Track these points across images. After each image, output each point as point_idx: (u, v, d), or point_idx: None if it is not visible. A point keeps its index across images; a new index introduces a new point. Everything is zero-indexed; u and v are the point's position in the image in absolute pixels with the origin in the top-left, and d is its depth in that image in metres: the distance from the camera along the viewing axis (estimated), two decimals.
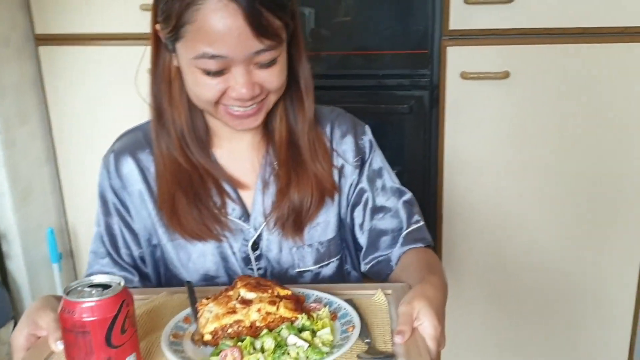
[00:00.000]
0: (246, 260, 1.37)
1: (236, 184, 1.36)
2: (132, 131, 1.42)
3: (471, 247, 2.40)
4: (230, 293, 1.09)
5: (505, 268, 2.40)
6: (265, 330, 1.04)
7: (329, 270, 1.41)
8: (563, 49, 2.14)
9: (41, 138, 2.58)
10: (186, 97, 1.29)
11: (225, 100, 1.22)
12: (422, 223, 1.41)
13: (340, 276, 1.43)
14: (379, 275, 1.40)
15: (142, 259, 1.41)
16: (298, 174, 1.33)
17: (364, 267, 1.43)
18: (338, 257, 1.42)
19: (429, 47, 2.22)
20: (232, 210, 1.35)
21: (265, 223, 1.35)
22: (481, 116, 2.25)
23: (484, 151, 2.29)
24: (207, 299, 1.10)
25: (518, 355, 2.52)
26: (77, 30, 2.41)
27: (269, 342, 1.00)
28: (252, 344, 1.01)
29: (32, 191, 2.53)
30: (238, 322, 1.04)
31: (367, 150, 1.41)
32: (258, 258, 1.37)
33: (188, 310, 1.14)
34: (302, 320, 1.05)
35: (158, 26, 1.22)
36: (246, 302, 1.06)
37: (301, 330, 1.04)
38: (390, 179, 1.42)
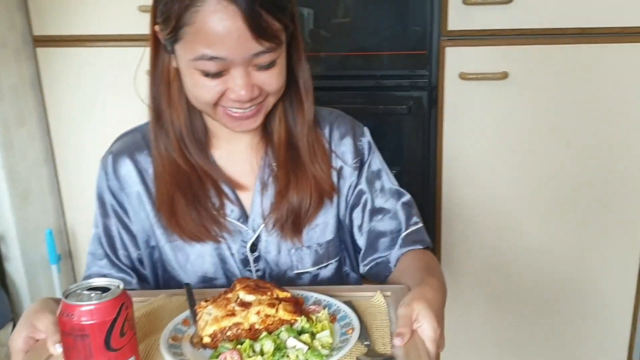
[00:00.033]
0: (244, 262, 1.36)
1: (235, 185, 1.36)
2: (131, 132, 1.42)
3: (470, 247, 2.40)
4: (229, 295, 1.09)
5: (505, 268, 2.40)
6: (264, 333, 1.04)
7: (327, 271, 1.41)
8: (562, 49, 2.15)
9: (39, 139, 2.57)
10: (185, 99, 1.29)
11: (223, 101, 1.21)
12: (420, 225, 1.41)
13: (339, 278, 1.43)
14: (378, 276, 1.40)
15: (140, 261, 1.41)
16: (297, 175, 1.33)
17: (362, 269, 1.43)
18: (337, 258, 1.42)
19: (427, 47, 2.22)
20: (231, 211, 1.34)
21: (264, 224, 1.35)
22: (480, 117, 2.25)
23: (483, 151, 2.29)
24: (206, 301, 1.10)
25: (518, 355, 2.52)
26: (75, 31, 2.40)
27: (268, 345, 1.00)
28: (251, 346, 1.00)
29: (31, 192, 2.52)
30: (237, 324, 1.04)
31: (366, 152, 1.41)
32: (256, 260, 1.37)
33: (187, 313, 1.14)
34: (301, 322, 1.05)
35: (157, 27, 1.22)
36: (245, 305, 1.06)
37: (300, 332, 1.03)
38: (389, 180, 1.42)
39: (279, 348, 1.00)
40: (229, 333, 1.04)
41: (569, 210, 2.31)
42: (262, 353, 1.00)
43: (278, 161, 1.34)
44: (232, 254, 1.36)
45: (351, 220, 1.41)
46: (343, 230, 1.42)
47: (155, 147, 1.33)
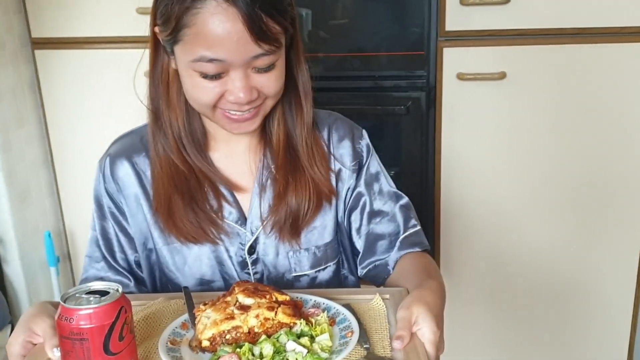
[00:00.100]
0: (242, 265, 1.36)
1: (233, 187, 1.35)
2: (128, 135, 1.41)
3: (469, 248, 2.40)
4: (228, 299, 1.09)
5: (504, 269, 2.40)
6: (263, 336, 1.04)
7: (325, 274, 1.40)
8: (559, 49, 2.15)
9: (38, 141, 2.57)
10: (184, 100, 1.29)
11: (222, 104, 1.21)
12: (418, 227, 1.41)
13: (337, 280, 1.43)
14: (376, 279, 1.39)
15: (138, 264, 1.41)
16: (295, 178, 1.32)
17: (360, 272, 1.42)
18: (335, 261, 1.41)
19: (425, 48, 2.22)
20: (229, 214, 1.34)
21: (262, 227, 1.35)
22: (478, 117, 2.25)
23: (481, 152, 2.29)
24: (205, 304, 1.10)
25: (517, 356, 2.52)
26: (74, 33, 2.40)
27: (267, 348, 1.00)
28: (250, 350, 1.00)
29: (29, 195, 2.52)
30: (236, 328, 1.04)
31: (364, 155, 1.41)
32: (254, 262, 1.36)
33: (185, 316, 1.14)
34: (300, 325, 1.05)
35: (157, 29, 1.22)
36: (244, 308, 1.06)
37: (300, 336, 1.03)
38: (387, 183, 1.42)
39: (279, 351, 1.00)
40: (228, 336, 1.04)
41: (568, 210, 2.31)
42: (261, 356, 1.00)
43: (277, 164, 1.34)
44: (230, 257, 1.35)
45: (349, 223, 1.41)
46: (341, 232, 1.42)
47: (153, 148, 1.33)
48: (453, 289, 2.38)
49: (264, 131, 1.36)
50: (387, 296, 1.21)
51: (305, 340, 1.02)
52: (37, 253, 2.58)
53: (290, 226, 1.33)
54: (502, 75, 2.18)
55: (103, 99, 2.46)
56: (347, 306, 1.14)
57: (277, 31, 1.16)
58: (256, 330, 1.04)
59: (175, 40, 1.18)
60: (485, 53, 2.18)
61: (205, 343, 1.04)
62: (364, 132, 1.43)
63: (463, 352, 2.52)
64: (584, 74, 2.16)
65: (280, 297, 1.09)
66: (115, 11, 2.34)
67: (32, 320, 1.09)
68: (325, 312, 1.12)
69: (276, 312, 1.05)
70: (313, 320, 1.08)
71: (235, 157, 1.37)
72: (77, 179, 2.58)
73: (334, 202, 1.38)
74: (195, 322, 1.07)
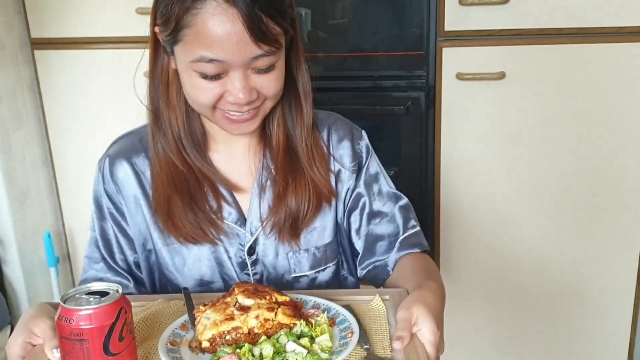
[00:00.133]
0: (242, 265, 1.36)
1: (232, 187, 1.35)
2: (128, 135, 1.41)
3: (468, 247, 2.40)
4: (228, 299, 1.09)
5: (503, 269, 2.40)
6: (263, 337, 1.04)
7: (325, 275, 1.40)
8: (558, 49, 2.15)
9: (37, 142, 2.57)
10: (183, 100, 1.29)
11: (221, 104, 1.21)
12: (418, 228, 1.41)
13: (336, 281, 1.43)
14: (376, 280, 1.39)
15: (137, 264, 1.40)
16: (295, 179, 1.32)
17: (360, 272, 1.42)
18: (335, 262, 1.41)
19: (424, 48, 2.22)
20: (229, 214, 1.34)
21: (261, 228, 1.34)
22: (477, 117, 2.25)
23: (481, 151, 2.29)
24: (205, 305, 1.10)
25: (517, 356, 2.52)
26: (73, 34, 2.40)
27: (267, 349, 1.00)
28: (250, 350, 1.00)
29: (29, 195, 2.52)
30: (236, 328, 1.04)
31: (364, 155, 1.41)
32: (254, 263, 1.36)
33: (185, 317, 1.14)
34: (300, 326, 1.05)
35: (157, 29, 1.22)
36: (244, 309, 1.06)
37: (300, 336, 1.03)
38: (386, 183, 1.42)
39: (279, 352, 1.00)
40: (227, 337, 1.04)
41: (568, 210, 2.31)
42: (261, 357, 1.00)
43: (276, 165, 1.34)
44: (230, 257, 1.35)
45: (349, 224, 1.41)
46: (341, 233, 1.42)
47: (153, 148, 1.33)
48: (452, 289, 2.38)
49: (263, 132, 1.36)
50: (387, 297, 1.21)
51: (305, 341, 1.02)
52: (37, 254, 2.58)
53: (290, 227, 1.33)
54: (501, 75, 2.18)
55: (103, 100, 2.46)
56: (347, 307, 1.14)
57: (277, 32, 1.16)
58: (256, 331, 1.04)
59: (175, 41, 1.18)
60: (485, 53, 2.18)
61: (205, 344, 1.04)
62: (364, 133, 1.43)
63: (463, 353, 2.52)
64: (583, 73, 2.16)
65: (280, 298, 1.09)
66: (115, 12, 2.34)
67: (32, 321, 1.09)
68: (325, 312, 1.12)
69: (276, 313, 1.05)
70: (313, 321, 1.09)
71: (235, 157, 1.37)
72: (77, 180, 2.58)
73: (333, 203, 1.38)
74: (195, 322, 1.07)
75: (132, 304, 1.02)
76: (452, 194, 2.35)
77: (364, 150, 1.41)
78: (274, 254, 1.36)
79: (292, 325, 1.05)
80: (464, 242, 2.39)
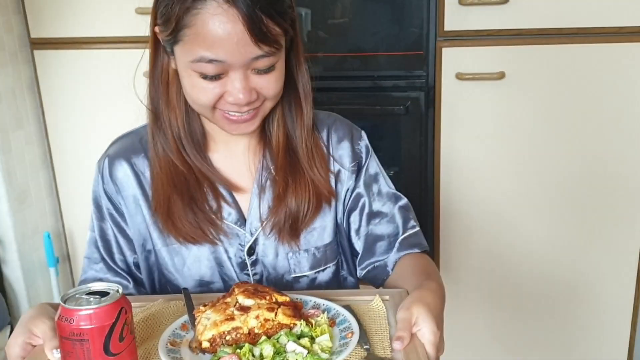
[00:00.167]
0: (242, 266, 1.36)
1: (232, 188, 1.35)
2: (127, 135, 1.41)
3: (468, 247, 2.40)
4: (228, 300, 1.09)
5: (503, 269, 2.40)
6: (263, 337, 1.04)
7: (325, 275, 1.40)
8: (558, 49, 2.15)
9: (37, 142, 2.57)
10: (183, 100, 1.28)
11: (221, 104, 1.21)
12: (418, 228, 1.41)
13: (336, 282, 1.43)
14: (375, 280, 1.39)
15: (137, 265, 1.40)
16: (295, 179, 1.32)
17: (359, 273, 1.42)
18: (335, 262, 1.41)
19: (424, 48, 2.22)
20: (228, 215, 1.34)
21: (261, 228, 1.34)
22: (477, 117, 2.25)
23: (480, 151, 2.29)
24: (205, 305, 1.09)
25: (517, 356, 2.52)
26: (73, 34, 2.40)
27: (267, 349, 1.00)
28: (251, 350, 1.00)
29: (29, 195, 2.52)
30: (236, 329, 1.04)
31: (363, 156, 1.41)
32: (254, 263, 1.36)
33: (185, 318, 1.14)
34: (300, 326, 1.05)
35: (157, 29, 1.22)
36: (244, 309, 1.06)
37: (300, 336, 1.03)
38: (386, 184, 1.42)
39: (279, 352, 1.00)
40: (228, 337, 1.04)
41: (568, 209, 2.31)
42: (261, 357, 1.00)
43: (276, 165, 1.34)
44: (229, 258, 1.35)
45: (348, 224, 1.41)
46: (340, 233, 1.42)
47: (152, 148, 1.33)
48: (452, 289, 2.38)
49: (263, 132, 1.36)
50: (387, 297, 1.21)
51: (305, 341, 1.02)
52: (37, 254, 2.58)
53: (290, 227, 1.33)
54: (501, 75, 2.18)
55: (102, 100, 2.46)
56: (347, 307, 1.14)
57: (277, 33, 1.16)
58: (256, 331, 1.04)
59: (175, 41, 1.18)
60: (484, 53, 2.18)
61: (206, 344, 1.04)
62: (363, 133, 1.43)
63: (463, 353, 2.52)
64: (583, 73, 2.16)
65: (280, 298, 1.09)
66: (115, 11, 2.34)
67: (32, 322, 1.09)
68: (325, 313, 1.12)
69: (276, 313, 1.05)
70: (313, 321, 1.09)
71: (235, 158, 1.37)
72: (77, 180, 2.58)
73: (333, 203, 1.38)
74: (195, 323, 1.07)
75: (132, 304, 1.02)
76: (452, 194, 2.35)
77: (363, 150, 1.41)
78: (274, 254, 1.36)
79: (292, 325, 1.05)
80: (464, 242, 2.39)
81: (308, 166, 1.33)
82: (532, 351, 2.50)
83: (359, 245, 1.40)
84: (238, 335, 1.04)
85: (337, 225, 1.40)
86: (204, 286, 1.37)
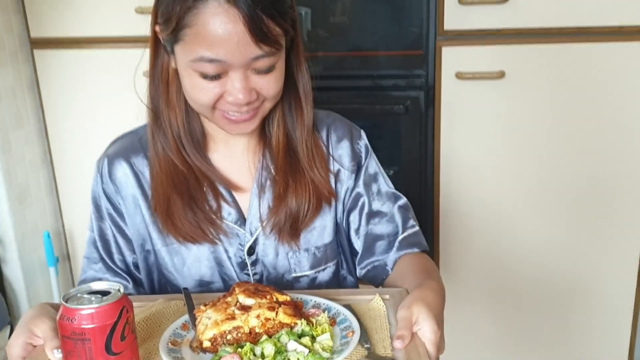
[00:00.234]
0: (242, 265, 1.36)
1: (232, 187, 1.35)
2: (127, 135, 1.41)
3: (468, 246, 2.40)
4: (229, 299, 1.09)
5: (503, 268, 2.40)
6: (264, 337, 1.04)
7: (325, 275, 1.40)
8: (558, 48, 2.15)
9: (37, 142, 2.57)
10: (183, 100, 1.28)
11: (221, 104, 1.21)
12: (417, 228, 1.41)
13: (336, 281, 1.43)
14: (375, 280, 1.39)
15: (136, 265, 1.40)
16: (295, 180, 1.32)
17: (359, 272, 1.42)
18: (335, 261, 1.41)
19: (424, 47, 2.22)
20: (228, 214, 1.34)
21: (261, 228, 1.34)
22: (477, 116, 2.25)
23: (480, 151, 2.29)
24: (205, 305, 1.09)
25: (518, 356, 2.52)
26: (73, 33, 2.40)
27: (269, 348, 1.00)
28: (252, 350, 1.00)
29: (29, 195, 2.52)
30: (237, 328, 1.04)
31: (363, 155, 1.41)
32: (254, 263, 1.36)
33: (186, 317, 1.14)
34: (301, 325, 1.05)
35: (158, 28, 1.22)
36: (245, 308, 1.06)
37: (301, 335, 1.03)
38: (385, 183, 1.42)
39: (280, 351, 1.00)
40: (229, 337, 1.04)
41: (568, 209, 2.31)
42: (263, 356, 1.00)
43: (276, 165, 1.34)
44: (229, 257, 1.35)
45: (348, 224, 1.41)
46: (340, 233, 1.42)
47: (152, 147, 1.33)
48: (452, 289, 2.39)
49: (263, 132, 1.36)
50: (387, 297, 1.21)
51: (306, 340, 1.02)
52: (37, 253, 2.58)
53: (290, 228, 1.33)
54: (500, 75, 2.18)
55: (102, 99, 2.46)
56: (347, 306, 1.14)
57: (278, 33, 1.16)
58: (257, 330, 1.04)
59: (176, 40, 1.18)
60: (484, 52, 2.18)
61: (207, 343, 1.04)
62: (363, 133, 1.43)
63: (463, 352, 2.53)
64: (583, 72, 2.16)
65: (281, 298, 1.09)
66: (114, 11, 2.34)
67: (32, 322, 1.09)
68: (326, 312, 1.12)
69: (277, 313, 1.05)
70: (314, 321, 1.09)
71: (234, 157, 1.37)
72: (77, 179, 2.58)
73: (333, 203, 1.38)
74: (196, 322, 1.07)
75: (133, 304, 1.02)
76: (452, 193, 2.35)
77: (363, 150, 1.41)
78: (274, 253, 1.36)
79: (293, 324, 1.05)
80: (463, 241, 2.39)
81: (308, 166, 1.33)
82: (532, 351, 2.50)
83: (358, 244, 1.40)
84: (239, 335, 1.04)
85: (337, 225, 1.41)
86: (203, 286, 1.37)
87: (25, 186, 2.50)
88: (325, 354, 1.00)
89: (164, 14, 1.17)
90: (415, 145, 2.35)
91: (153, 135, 1.32)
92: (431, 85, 2.25)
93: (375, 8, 2.21)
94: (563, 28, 2.13)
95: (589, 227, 2.31)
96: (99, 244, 1.38)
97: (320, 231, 1.37)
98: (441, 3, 2.15)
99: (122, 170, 1.35)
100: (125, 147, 1.38)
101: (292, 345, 1.01)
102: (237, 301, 1.08)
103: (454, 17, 2.16)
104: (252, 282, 1.34)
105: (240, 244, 1.35)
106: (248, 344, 1.01)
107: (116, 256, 1.38)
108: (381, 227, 1.39)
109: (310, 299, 1.18)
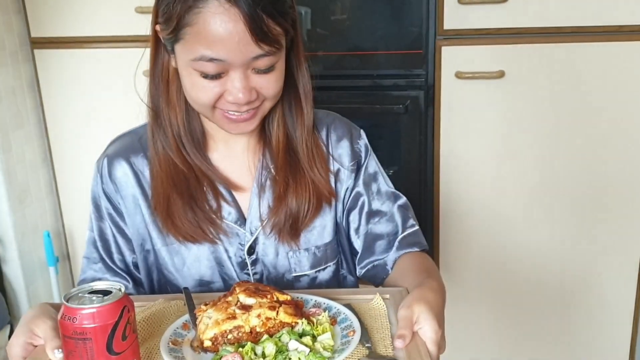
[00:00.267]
0: (242, 265, 1.36)
1: (232, 187, 1.35)
2: (126, 135, 1.41)
3: (468, 246, 2.40)
4: (230, 299, 1.09)
5: (503, 268, 2.40)
6: (265, 336, 1.04)
7: (325, 274, 1.40)
8: (558, 47, 2.15)
9: (37, 141, 2.57)
10: (184, 99, 1.28)
11: (221, 104, 1.21)
12: (417, 227, 1.41)
13: (336, 281, 1.43)
14: (375, 279, 1.39)
15: (136, 265, 1.40)
16: (296, 180, 1.32)
17: (359, 272, 1.42)
18: (335, 261, 1.41)
19: (423, 47, 2.22)
20: (228, 214, 1.34)
21: (261, 228, 1.34)
22: (476, 115, 2.25)
23: (480, 150, 2.29)
24: (206, 304, 1.09)
25: (518, 355, 2.52)
26: (73, 33, 2.40)
27: (270, 348, 1.00)
28: (253, 349, 1.00)
29: (29, 194, 2.52)
30: (238, 327, 1.04)
31: (363, 155, 1.41)
32: (254, 263, 1.36)
33: (186, 317, 1.14)
34: (302, 325, 1.05)
35: (158, 27, 1.22)
36: (246, 308, 1.06)
37: (302, 335, 1.04)
38: (385, 183, 1.42)
39: (281, 351, 1.00)
40: (230, 336, 1.04)
41: (568, 209, 2.31)
42: (263, 356, 1.00)
43: (276, 165, 1.34)
44: (230, 257, 1.35)
45: (348, 223, 1.41)
46: (340, 232, 1.42)
47: (152, 147, 1.33)
48: (452, 289, 2.38)
49: (262, 131, 1.36)
50: (387, 296, 1.21)
51: (307, 339, 1.02)
52: (36, 253, 2.58)
53: (290, 227, 1.33)
54: (500, 74, 2.18)
55: (102, 99, 2.46)
56: (348, 306, 1.14)
57: (278, 32, 1.16)
58: (258, 329, 1.04)
59: (176, 39, 1.18)
60: (484, 52, 2.18)
61: (207, 343, 1.04)
62: (362, 132, 1.43)
63: (464, 352, 2.53)
64: (583, 72, 2.16)
65: (282, 297, 1.09)
66: (115, 10, 2.35)
67: (33, 322, 1.09)
68: (326, 311, 1.12)
69: (278, 312, 1.05)
70: (314, 320, 1.09)
71: (234, 157, 1.37)
72: (77, 179, 2.58)
73: (333, 202, 1.38)
74: (197, 322, 1.07)
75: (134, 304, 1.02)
76: (452, 193, 2.35)
77: (362, 149, 1.41)
78: (274, 253, 1.36)
79: (293, 324, 1.05)
80: (463, 241, 2.39)
81: (308, 166, 1.33)
82: (532, 351, 2.50)
83: (358, 244, 1.40)
84: (240, 334, 1.04)
85: (337, 224, 1.41)
86: (204, 286, 1.37)
87: (25, 186, 2.50)
88: (326, 354, 1.00)
89: (164, 13, 1.17)
90: (415, 145, 2.35)
91: (153, 135, 1.32)
92: (431, 85, 2.25)
93: (375, 7, 2.21)
94: (563, 27, 2.13)
95: (589, 227, 2.31)
96: (98, 243, 1.38)
97: (320, 231, 1.37)
98: (441, 3, 2.15)
99: (122, 170, 1.35)
100: (125, 147, 1.37)
101: (293, 344, 1.01)
102: (238, 301, 1.08)
103: (454, 17, 2.16)
104: (253, 281, 1.35)
105: (240, 244, 1.35)
106: (249, 343, 1.01)
107: (116, 256, 1.38)
108: (381, 227, 1.39)
109: (311, 298, 1.18)
